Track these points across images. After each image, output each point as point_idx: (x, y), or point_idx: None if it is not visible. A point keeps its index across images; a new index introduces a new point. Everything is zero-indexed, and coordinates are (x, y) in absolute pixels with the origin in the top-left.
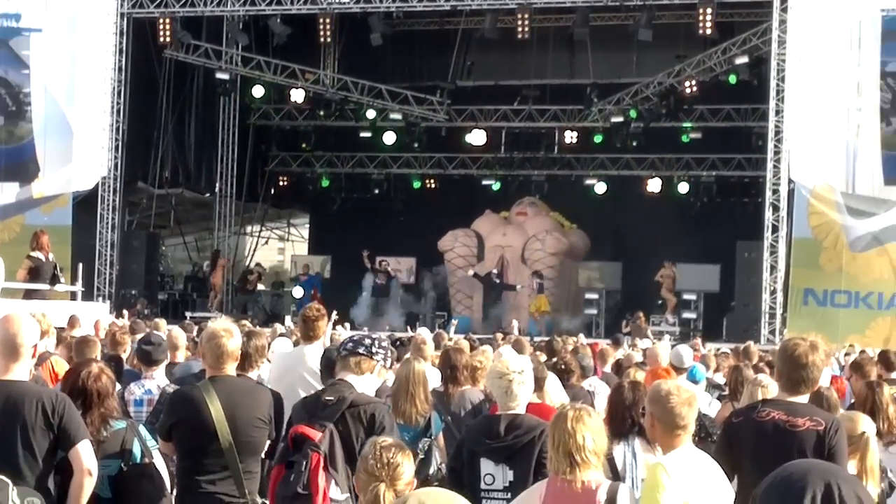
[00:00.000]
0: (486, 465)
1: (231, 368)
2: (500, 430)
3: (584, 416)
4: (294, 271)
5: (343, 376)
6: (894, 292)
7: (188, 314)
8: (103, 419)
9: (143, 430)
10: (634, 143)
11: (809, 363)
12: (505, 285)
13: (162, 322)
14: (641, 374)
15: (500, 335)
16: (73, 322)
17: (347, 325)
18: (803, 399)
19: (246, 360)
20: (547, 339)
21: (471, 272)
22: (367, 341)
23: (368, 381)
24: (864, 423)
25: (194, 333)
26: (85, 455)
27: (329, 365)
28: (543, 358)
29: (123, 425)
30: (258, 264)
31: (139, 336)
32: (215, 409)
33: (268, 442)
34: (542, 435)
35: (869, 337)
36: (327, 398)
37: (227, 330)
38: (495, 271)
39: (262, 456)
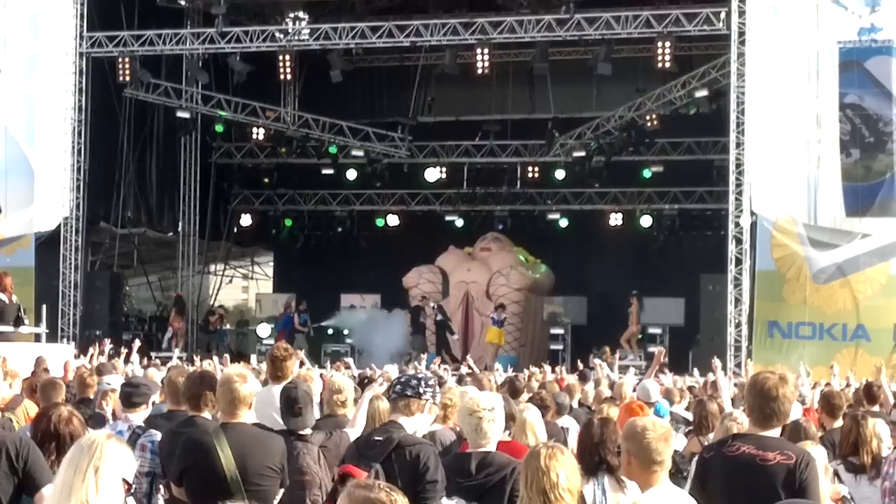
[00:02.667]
0: None
1: (245, 415)
2: (472, 469)
3: (557, 453)
4: (259, 311)
5: (395, 418)
6: (858, 323)
7: (153, 354)
8: None
9: None
10: (596, 178)
11: (780, 396)
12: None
13: (118, 363)
14: (615, 409)
15: (465, 370)
16: (39, 363)
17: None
18: (774, 433)
19: (200, 400)
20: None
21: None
22: (414, 382)
23: (419, 421)
24: (814, 452)
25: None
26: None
27: (287, 401)
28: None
29: None
30: (220, 305)
31: (106, 378)
32: (226, 457)
33: (280, 490)
34: (513, 473)
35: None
36: (376, 438)
37: (240, 375)
38: (439, 318)
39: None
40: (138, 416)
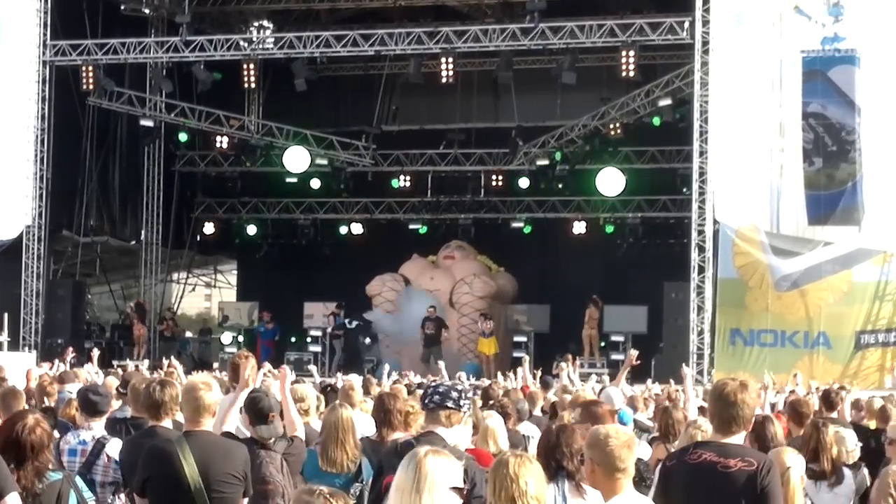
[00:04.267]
0: None
1: (208, 423)
2: None
3: (525, 461)
4: (220, 318)
5: (433, 429)
6: (819, 331)
7: (115, 362)
8: (38, 472)
9: (79, 481)
10: (560, 186)
11: (739, 401)
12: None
13: (81, 371)
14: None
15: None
16: None
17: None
18: (737, 439)
19: (161, 409)
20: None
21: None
22: (454, 394)
23: (458, 433)
24: (790, 458)
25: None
26: None
27: (259, 410)
28: (479, 403)
29: (59, 477)
30: (168, 308)
31: (68, 386)
32: (188, 465)
33: (245, 500)
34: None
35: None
36: None
37: (205, 383)
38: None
39: None
40: (99, 425)
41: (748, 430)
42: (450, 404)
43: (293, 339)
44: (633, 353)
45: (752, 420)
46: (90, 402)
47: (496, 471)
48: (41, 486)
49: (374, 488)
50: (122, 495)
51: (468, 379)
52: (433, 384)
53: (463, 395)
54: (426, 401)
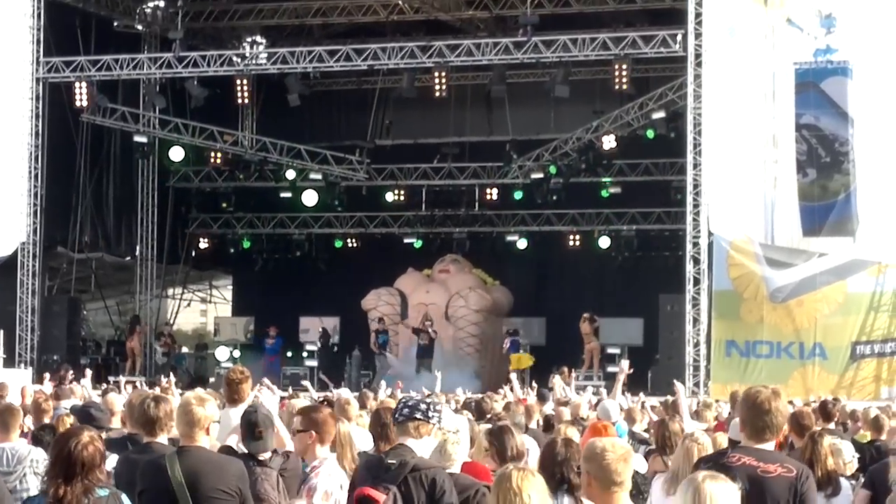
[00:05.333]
0: None
1: (202, 438)
2: None
3: (528, 475)
4: (218, 334)
5: (403, 441)
6: (815, 342)
7: (111, 378)
8: (86, 489)
9: (125, 498)
10: (554, 199)
11: (773, 409)
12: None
13: (77, 388)
14: (573, 430)
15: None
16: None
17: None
18: (769, 446)
19: (155, 425)
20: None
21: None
22: (423, 406)
23: (427, 444)
24: None
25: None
26: None
27: (248, 425)
28: (474, 417)
29: (106, 493)
30: (166, 323)
31: (63, 403)
32: (175, 480)
33: None
34: (476, 495)
35: (791, 387)
36: (390, 461)
37: (199, 399)
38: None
39: None
40: None
41: (779, 438)
42: (418, 416)
43: (289, 354)
44: (625, 363)
45: (783, 427)
46: (91, 418)
47: (500, 484)
48: (88, 503)
49: (348, 501)
50: None
51: (464, 393)
52: (403, 399)
53: (431, 407)
54: (396, 415)
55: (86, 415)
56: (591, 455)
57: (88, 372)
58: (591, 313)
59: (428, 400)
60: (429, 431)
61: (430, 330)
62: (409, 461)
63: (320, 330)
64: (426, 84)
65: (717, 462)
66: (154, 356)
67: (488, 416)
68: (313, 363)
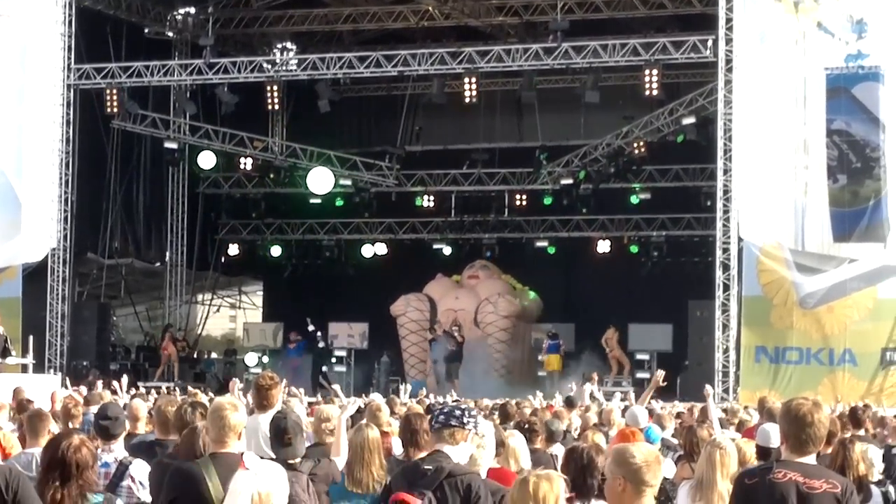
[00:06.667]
0: None
1: (234, 444)
2: None
3: (546, 481)
4: (247, 340)
5: (439, 447)
6: (845, 348)
7: (140, 384)
8: (81, 492)
9: (119, 503)
10: (584, 205)
11: (816, 421)
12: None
13: (106, 393)
14: (599, 435)
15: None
16: (16, 394)
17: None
18: (811, 459)
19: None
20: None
21: (429, 336)
22: (458, 412)
23: (463, 450)
24: None
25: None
26: None
27: (277, 431)
28: (497, 421)
29: (100, 499)
30: (178, 329)
31: (93, 408)
32: (214, 487)
33: None
34: (502, 501)
35: (821, 393)
36: (426, 467)
37: (231, 404)
38: (455, 328)
39: None
40: (118, 447)
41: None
42: (453, 423)
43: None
44: (660, 373)
45: (824, 439)
46: (101, 427)
47: (519, 489)
48: None
49: None
50: None
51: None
52: (438, 406)
53: (467, 413)
54: (432, 421)
55: (96, 425)
56: (624, 459)
57: (125, 380)
58: (614, 327)
59: (462, 406)
60: (465, 437)
61: (457, 335)
62: (444, 467)
63: (310, 329)
64: (456, 90)
65: (762, 477)
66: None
67: (514, 420)
68: (342, 368)
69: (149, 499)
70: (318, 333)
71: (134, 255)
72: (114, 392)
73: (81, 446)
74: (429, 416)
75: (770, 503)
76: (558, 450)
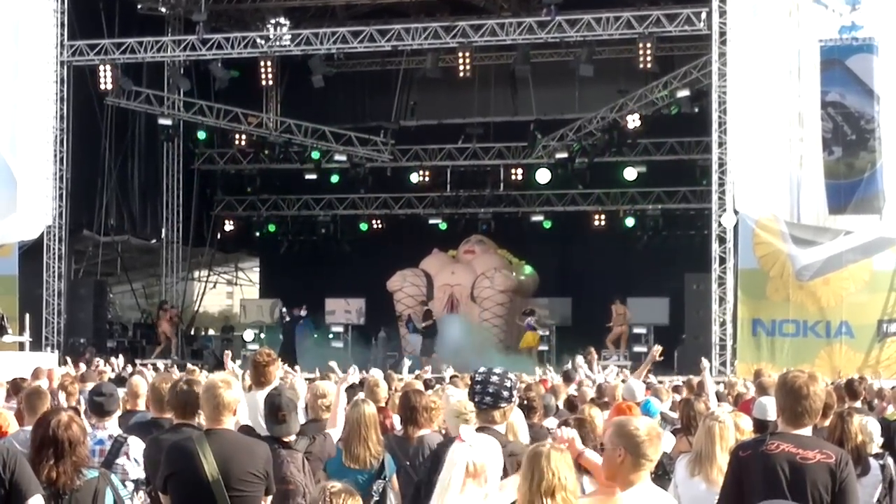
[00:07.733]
0: None
1: (228, 421)
2: None
3: (566, 456)
4: (244, 316)
5: (490, 425)
6: (842, 320)
7: (138, 361)
8: (76, 468)
9: (115, 478)
10: (579, 179)
11: (811, 394)
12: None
13: (107, 370)
14: (596, 410)
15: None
16: (37, 374)
17: (297, 367)
18: (807, 431)
19: (188, 408)
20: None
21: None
22: (504, 393)
23: (505, 425)
24: None
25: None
26: None
27: (271, 408)
28: None
29: (96, 474)
30: (172, 305)
31: (89, 386)
32: (208, 463)
33: (269, 498)
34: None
35: (818, 366)
36: None
37: (225, 381)
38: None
39: None
40: (112, 424)
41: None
42: (502, 404)
43: (315, 336)
44: (657, 348)
45: (820, 412)
46: (95, 404)
47: (534, 461)
48: (79, 482)
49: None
50: (142, 493)
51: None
52: (480, 381)
53: (513, 386)
54: (477, 400)
55: (90, 401)
56: (625, 431)
57: (120, 358)
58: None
59: (504, 380)
60: (511, 411)
61: (434, 319)
62: (506, 446)
63: (281, 310)
64: (450, 64)
65: (755, 450)
66: (180, 339)
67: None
68: (339, 344)
69: (143, 475)
70: (302, 314)
71: (130, 231)
72: (113, 369)
73: (71, 422)
74: (471, 394)
75: (763, 475)
76: (551, 423)
